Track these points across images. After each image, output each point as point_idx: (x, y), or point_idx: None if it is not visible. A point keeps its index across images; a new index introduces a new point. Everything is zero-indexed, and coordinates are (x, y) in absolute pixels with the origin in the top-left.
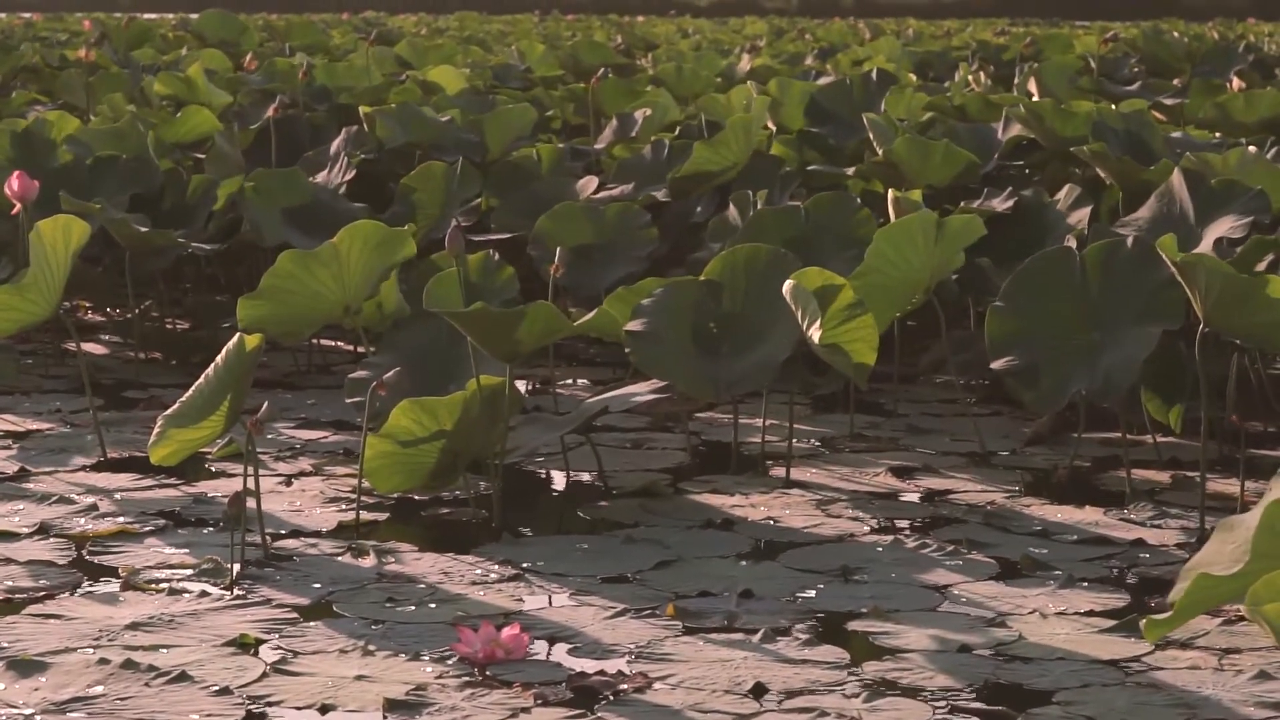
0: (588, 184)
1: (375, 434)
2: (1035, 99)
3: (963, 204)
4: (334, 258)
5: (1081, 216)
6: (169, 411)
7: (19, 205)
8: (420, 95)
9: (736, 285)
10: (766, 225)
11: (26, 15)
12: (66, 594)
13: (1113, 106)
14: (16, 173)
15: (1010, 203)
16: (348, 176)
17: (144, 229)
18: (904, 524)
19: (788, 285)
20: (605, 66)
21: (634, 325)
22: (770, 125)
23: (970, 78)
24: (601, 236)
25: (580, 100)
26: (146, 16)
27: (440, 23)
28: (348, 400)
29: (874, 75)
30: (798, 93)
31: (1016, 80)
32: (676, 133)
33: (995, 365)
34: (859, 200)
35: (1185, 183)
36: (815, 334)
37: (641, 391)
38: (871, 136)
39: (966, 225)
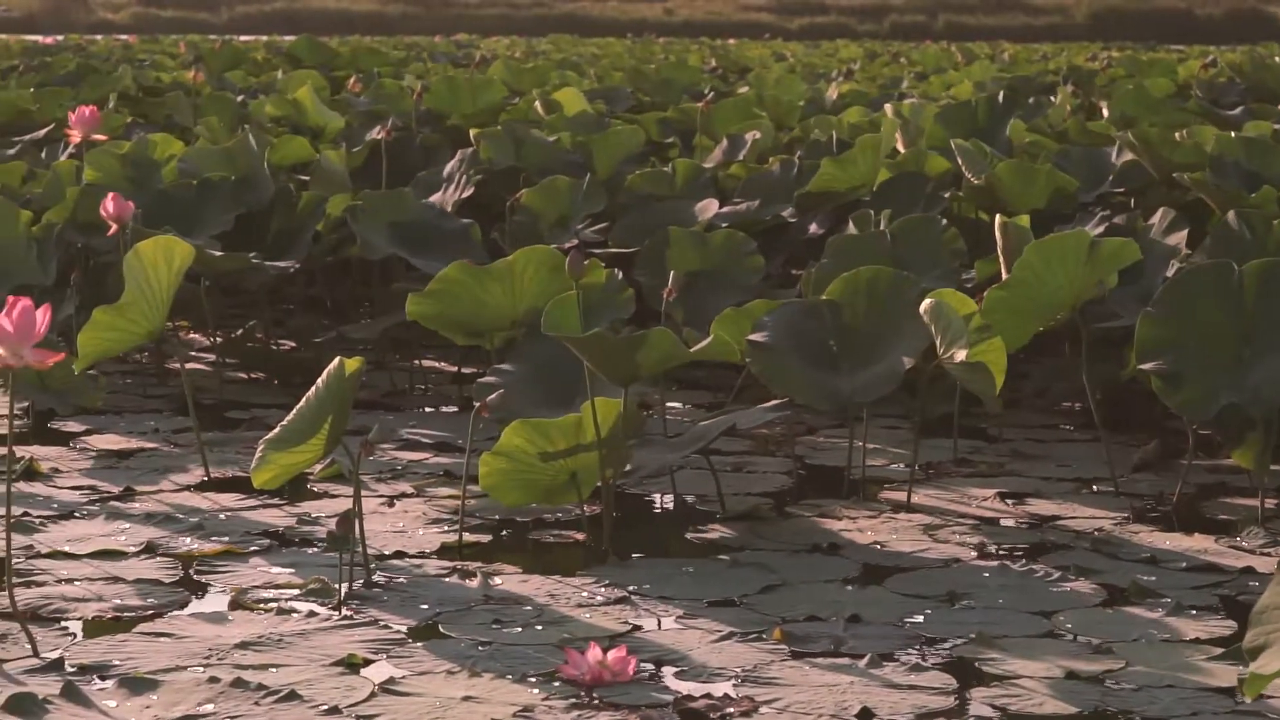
0: (708, 206)
1: (490, 452)
2: (1105, 119)
3: (1055, 229)
4: (508, 273)
5: (1178, 241)
6: (270, 435)
7: (115, 226)
8: (539, 114)
9: (857, 306)
10: (853, 248)
11: (123, 37)
12: (175, 612)
13: (1231, 134)
14: (111, 194)
15: (1102, 228)
16: (464, 195)
17: (217, 253)
18: (1011, 549)
19: (926, 304)
20: (711, 90)
21: (757, 337)
22: (900, 146)
23: (1066, 102)
24: (708, 263)
25: (669, 124)
26: (242, 39)
27: (537, 45)
28: (476, 402)
29: (1000, 98)
30: (930, 114)
31: (1104, 105)
32: (797, 154)
33: (1144, 367)
34: (944, 221)
35: (1243, 222)
36: (958, 353)
37: (762, 410)
38: (961, 162)
39: (1120, 248)
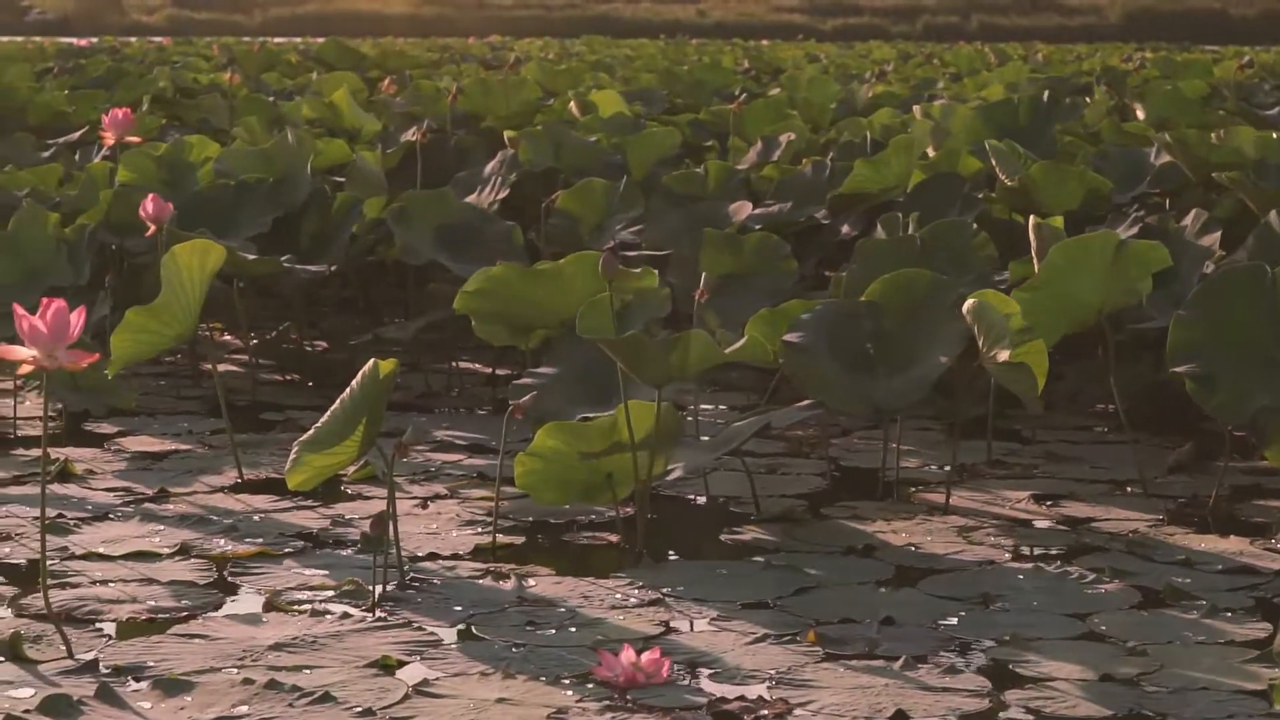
0: (741, 208)
1: (525, 452)
2: (1141, 120)
3: (1088, 230)
4: (557, 276)
5: (1211, 242)
6: (304, 437)
7: (154, 227)
8: (574, 116)
9: (896, 308)
10: (881, 253)
11: (157, 40)
12: (209, 614)
13: (1274, 135)
14: (150, 195)
15: (1135, 229)
16: (500, 196)
17: (250, 256)
18: (1045, 551)
19: (969, 304)
20: (743, 91)
21: (791, 337)
22: (930, 150)
23: (1103, 103)
24: (741, 266)
25: (702, 125)
26: (276, 41)
27: (570, 46)
28: (512, 402)
29: (1044, 96)
30: (961, 115)
31: (1138, 106)
32: (830, 155)
33: (1177, 370)
34: (975, 225)
35: None
36: (1001, 354)
37: (795, 410)
38: (994, 163)
39: (1148, 251)
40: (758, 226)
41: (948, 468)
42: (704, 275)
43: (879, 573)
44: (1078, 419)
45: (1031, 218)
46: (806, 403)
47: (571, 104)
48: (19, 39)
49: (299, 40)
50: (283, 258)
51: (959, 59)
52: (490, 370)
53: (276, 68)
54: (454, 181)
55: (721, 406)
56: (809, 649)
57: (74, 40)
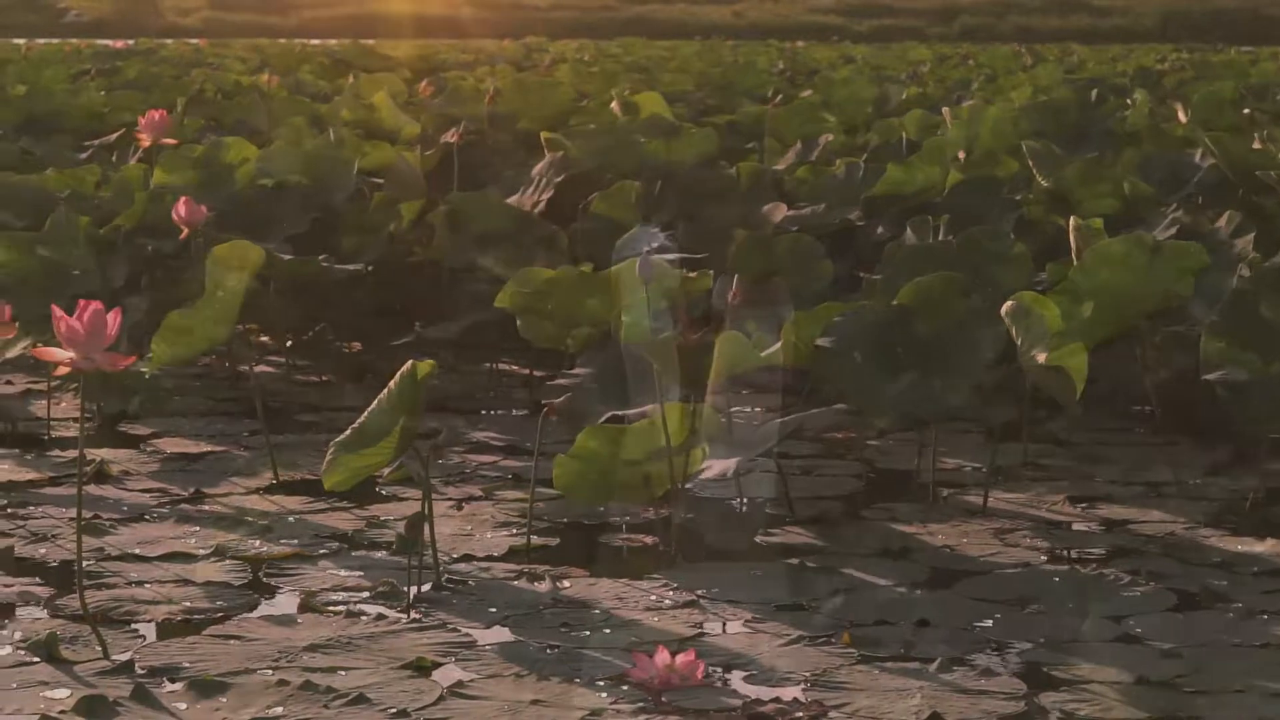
0: (775, 210)
1: (564, 454)
2: (1183, 123)
3: (1123, 232)
4: (609, 283)
5: (1245, 244)
6: (340, 438)
7: (186, 230)
8: (614, 116)
9: (929, 313)
10: (916, 257)
11: (194, 41)
12: (244, 615)
13: None
14: (183, 198)
15: (1173, 230)
16: (544, 197)
17: (287, 257)
18: (1081, 554)
19: (1009, 305)
20: (777, 92)
21: (824, 342)
22: (960, 154)
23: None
24: (775, 268)
25: (735, 126)
26: (312, 42)
27: (606, 48)
28: (546, 403)
29: (1092, 95)
30: (991, 117)
31: (1180, 107)
32: (864, 156)
33: (1208, 378)
34: (1011, 235)
35: None
36: (1039, 355)
37: (830, 412)
38: (1032, 164)
39: (1183, 252)
40: (794, 229)
41: (984, 470)
42: (735, 278)
43: (914, 575)
44: (1114, 421)
45: (1072, 219)
46: (840, 405)
47: (614, 105)
48: (55, 41)
49: (333, 42)
50: (319, 258)
51: (994, 60)
52: (528, 372)
53: (302, 68)
54: (501, 180)
55: (757, 408)
56: (844, 651)
57: (110, 42)
